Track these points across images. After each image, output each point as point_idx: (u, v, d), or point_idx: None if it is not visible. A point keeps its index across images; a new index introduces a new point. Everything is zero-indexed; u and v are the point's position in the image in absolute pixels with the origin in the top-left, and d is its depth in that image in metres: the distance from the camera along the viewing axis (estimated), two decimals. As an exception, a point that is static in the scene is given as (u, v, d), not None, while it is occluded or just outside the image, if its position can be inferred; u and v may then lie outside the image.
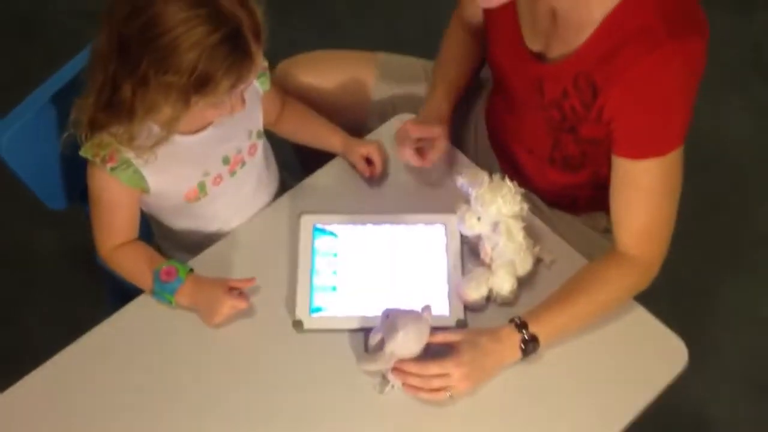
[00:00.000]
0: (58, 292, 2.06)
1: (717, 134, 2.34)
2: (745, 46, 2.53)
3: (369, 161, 1.46)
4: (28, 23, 2.55)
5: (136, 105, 1.17)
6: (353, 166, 1.47)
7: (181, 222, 1.43)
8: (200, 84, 1.15)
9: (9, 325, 2.02)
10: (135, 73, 1.15)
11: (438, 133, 1.42)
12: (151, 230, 1.51)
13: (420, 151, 1.43)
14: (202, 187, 1.35)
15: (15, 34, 2.54)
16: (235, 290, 1.28)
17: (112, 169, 1.25)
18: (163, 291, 1.29)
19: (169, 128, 1.21)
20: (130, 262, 1.34)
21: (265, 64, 1.37)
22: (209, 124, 1.31)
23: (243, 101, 1.25)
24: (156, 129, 1.22)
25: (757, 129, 2.36)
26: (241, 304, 1.28)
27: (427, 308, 1.22)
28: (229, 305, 1.27)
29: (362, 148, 1.46)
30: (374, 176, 1.46)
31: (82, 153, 1.25)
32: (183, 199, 1.35)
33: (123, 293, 1.36)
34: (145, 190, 1.30)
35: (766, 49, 2.52)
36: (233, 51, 1.14)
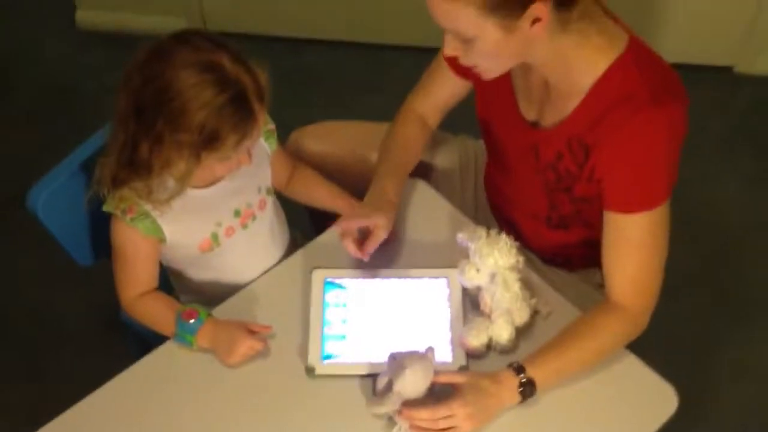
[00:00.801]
0: (82, 350, 2.12)
1: (709, 200, 2.43)
2: (733, 117, 2.64)
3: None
4: (60, 99, 2.68)
5: (153, 161, 1.28)
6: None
7: (198, 273, 1.50)
8: (209, 140, 1.25)
9: (34, 381, 2.08)
10: (151, 133, 1.26)
11: (377, 222, 1.44)
12: (171, 286, 1.58)
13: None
14: (215, 237, 1.43)
15: (47, 108, 2.66)
16: (252, 333, 1.36)
17: (132, 219, 1.35)
18: (184, 332, 1.36)
19: (183, 182, 1.31)
20: (152, 308, 1.42)
21: (272, 126, 1.49)
22: (220, 178, 1.40)
23: (249, 156, 1.35)
24: (171, 183, 1.32)
25: (746, 196, 2.45)
26: (258, 345, 1.35)
27: (430, 349, 1.30)
28: (247, 345, 1.34)
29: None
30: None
31: (105, 208, 1.35)
32: (198, 249, 1.43)
33: (146, 349, 1.42)
34: (163, 239, 1.39)
35: (749, 121, 2.62)
36: (238, 111, 1.25)
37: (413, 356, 1.27)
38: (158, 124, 1.25)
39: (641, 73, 1.29)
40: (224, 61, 1.25)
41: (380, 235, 1.45)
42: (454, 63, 1.44)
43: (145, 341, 1.53)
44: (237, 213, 1.45)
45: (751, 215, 2.42)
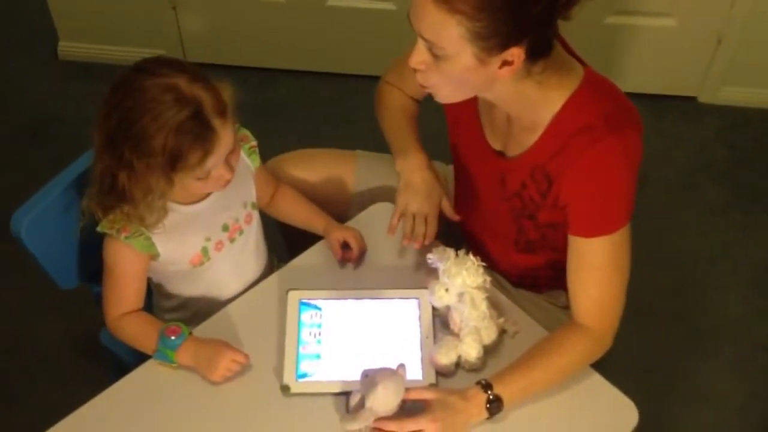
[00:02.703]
0: (60, 377, 2.13)
1: (672, 229, 2.48)
2: (697, 146, 2.70)
3: (347, 245, 1.58)
4: (38, 130, 2.71)
5: (133, 190, 1.33)
6: (330, 248, 1.59)
7: (185, 288, 1.54)
8: (173, 159, 1.29)
9: (13, 405, 2.09)
10: (123, 163, 1.30)
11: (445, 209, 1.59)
12: (153, 305, 1.62)
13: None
14: (205, 252, 1.48)
15: (25, 139, 2.69)
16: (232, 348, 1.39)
17: (126, 237, 1.39)
18: (165, 348, 1.39)
19: (163, 203, 1.36)
20: (136, 326, 1.45)
21: (254, 143, 1.53)
22: (208, 195, 1.45)
23: (230, 171, 1.38)
24: (157, 205, 1.36)
25: (708, 224, 2.50)
26: (241, 358, 1.38)
27: (401, 366, 1.34)
28: (228, 358, 1.37)
29: (339, 233, 1.58)
30: (350, 261, 1.57)
31: (100, 228, 1.39)
32: (189, 264, 1.47)
33: (125, 373, 1.44)
34: (156, 255, 1.43)
35: (713, 150, 2.69)
36: (196, 127, 1.29)
37: (385, 373, 1.31)
38: (126, 153, 1.29)
39: (597, 104, 1.35)
40: (180, 82, 1.29)
41: (435, 224, 1.56)
42: None
43: (124, 366, 1.55)
44: (225, 227, 1.49)
45: (714, 244, 2.47)
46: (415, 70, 1.33)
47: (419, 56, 1.29)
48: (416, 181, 1.58)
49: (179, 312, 1.58)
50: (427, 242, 1.54)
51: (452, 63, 1.27)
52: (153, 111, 1.27)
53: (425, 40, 1.26)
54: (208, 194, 1.46)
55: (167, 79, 1.29)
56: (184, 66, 1.33)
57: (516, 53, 1.25)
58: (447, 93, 1.37)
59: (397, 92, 1.69)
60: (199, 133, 1.30)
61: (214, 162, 1.34)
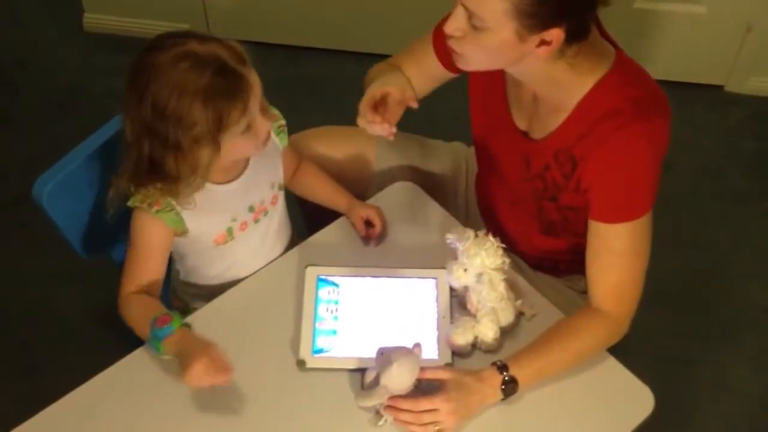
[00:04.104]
0: (80, 347, 2.15)
1: (697, 217, 2.47)
2: (723, 135, 2.68)
3: (369, 223, 1.58)
4: (63, 101, 2.73)
5: (180, 168, 1.32)
6: (353, 226, 1.59)
7: (206, 266, 1.54)
8: (218, 121, 1.29)
9: (31, 373, 2.12)
10: (168, 144, 1.30)
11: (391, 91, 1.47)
12: (170, 284, 1.63)
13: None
14: (230, 231, 1.48)
15: (51, 110, 2.71)
16: (215, 360, 1.29)
17: (158, 211, 1.38)
18: (154, 337, 1.34)
19: (207, 172, 1.35)
20: (138, 308, 1.41)
21: (283, 122, 1.53)
22: (246, 163, 1.45)
23: (268, 119, 1.37)
24: (193, 179, 1.35)
25: (733, 213, 2.49)
26: (220, 373, 1.28)
27: (417, 345, 1.35)
28: (204, 365, 1.26)
29: (363, 211, 1.58)
30: (373, 237, 1.58)
31: (131, 203, 1.38)
32: (213, 242, 1.47)
33: (143, 344, 1.43)
34: (184, 231, 1.43)
35: (739, 140, 2.67)
36: (227, 81, 1.28)
37: (400, 351, 1.32)
38: (170, 134, 1.29)
39: (626, 89, 1.34)
40: (192, 45, 1.29)
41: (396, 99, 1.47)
42: (444, 57, 1.44)
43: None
44: (251, 208, 1.49)
45: (738, 233, 2.45)
46: (449, 37, 1.31)
47: (456, 23, 1.28)
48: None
49: (198, 289, 1.58)
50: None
51: (491, 36, 1.26)
52: (179, 83, 1.27)
53: (466, 8, 1.25)
54: (241, 171, 1.45)
55: (179, 48, 1.29)
56: (190, 32, 1.33)
57: (556, 34, 1.24)
58: (477, 62, 1.35)
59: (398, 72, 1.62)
60: (230, 86, 1.29)
61: (255, 108, 1.33)
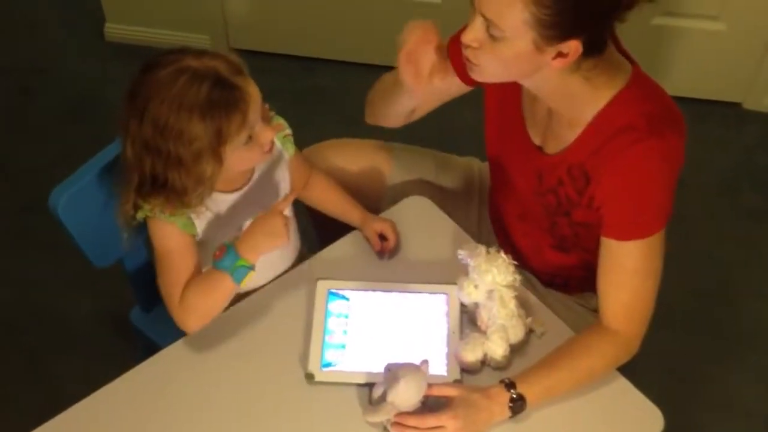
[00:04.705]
0: (90, 355, 2.16)
1: (711, 235, 2.45)
2: (739, 153, 2.67)
3: (382, 237, 1.58)
4: (81, 108, 2.75)
5: (185, 182, 1.33)
6: (367, 240, 1.60)
7: None
8: (217, 134, 1.29)
9: (41, 382, 2.12)
10: (170, 160, 1.31)
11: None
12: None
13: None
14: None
15: (68, 117, 2.73)
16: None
17: (170, 215, 1.38)
18: (233, 266, 1.34)
19: (213, 183, 1.35)
20: (197, 286, 1.39)
21: (289, 131, 1.53)
22: (252, 173, 1.45)
23: (270, 128, 1.37)
24: (200, 189, 1.36)
25: (747, 232, 2.47)
26: (279, 205, 1.37)
27: (425, 362, 1.34)
28: (276, 214, 1.35)
29: (378, 225, 1.58)
30: (387, 251, 1.57)
31: (140, 215, 1.39)
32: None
33: (154, 353, 1.46)
34: (194, 236, 1.43)
35: (755, 157, 2.66)
36: (224, 93, 1.28)
37: (408, 368, 1.31)
38: (172, 150, 1.30)
39: (642, 105, 1.33)
40: (188, 61, 1.30)
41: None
42: (459, 68, 1.44)
43: (152, 346, 1.57)
44: None
45: (752, 252, 2.44)
46: (465, 47, 1.31)
47: (474, 33, 1.27)
48: None
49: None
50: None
51: (508, 46, 1.25)
52: (177, 99, 1.28)
53: (485, 18, 1.25)
54: (248, 180, 1.46)
55: (176, 64, 1.30)
56: (187, 48, 1.34)
57: (574, 46, 1.24)
58: (492, 73, 1.34)
59: None
60: (228, 98, 1.29)
61: (255, 119, 1.34)
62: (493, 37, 1.26)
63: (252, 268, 1.37)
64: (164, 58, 1.32)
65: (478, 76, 1.36)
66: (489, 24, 1.24)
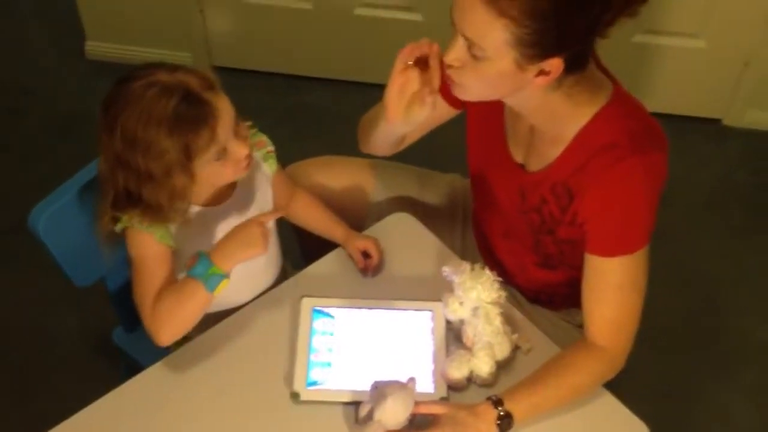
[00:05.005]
0: (74, 375, 2.14)
1: (695, 251, 2.47)
2: (721, 168, 2.68)
3: (366, 254, 1.58)
4: (64, 127, 2.74)
5: (159, 197, 1.32)
6: (351, 257, 1.59)
7: None
8: (185, 149, 1.29)
9: (25, 400, 2.10)
10: (140, 175, 1.30)
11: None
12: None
13: None
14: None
15: (52, 135, 2.72)
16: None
17: (148, 226, 1.37)
18: (205, 274, 1.32)
19: (187, 198, 1.35)
20: (169, 295, 1.37)
21: (272, 148, 1.53)
22: (233, 187, 1.45)
23: (244, 145, 1.35)
24: (181, 206, 1.35)
25: (731, 247, 2.48)
26: (262, 217, 1.36)
27: (411, 380, 1.33)
28: (256, 224, 1.34)
29: (361, 242, 1.58)
30: (371, 269, 1.57)
31: (119, 227, 1.38)
32: None
33: (136, 374, 1.44)
34: (171, 246, 1.41)
35: (737, 173, 2.68)
36: (191, 108, 1.28)
37: (395, 386, 1.31)
38: (141, 164, 1.29)
39: (624, 122, 1.34)
40: (160, 75, 1.30)
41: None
42: (447, 93, 1.43)
43: (135, 366, 1.56)
44: None
45: (735, 268, 2.45)
46: (448, 66, 1.31)
47: (456, 53, 1.27)
48: None
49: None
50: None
51: (490, 65, 1.25)
52: (145, 111, 1.27)
53: (466, 38, 1.25)
54: (229, 195, 1.46)
55: (148, 78, 1.30)
56: (161, 63, 1.33)
57: (555, 64, 1.24)
58: (475, 92, 1.34)
59: None
60: (196, 112, 1.29)
61: (225, 135, 1.32)
62: (474, 57, 1.26)
63: (226, 276, 1.35)
64: (138, 71, 1.32)
65: (462, 95, 1.36)
66: (470, 44, 1.25)
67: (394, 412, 1.29)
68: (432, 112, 1.42)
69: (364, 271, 1.58)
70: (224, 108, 1.32)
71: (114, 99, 1.31)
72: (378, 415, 1.29)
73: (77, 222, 1.48)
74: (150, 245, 1.40)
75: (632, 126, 1.34)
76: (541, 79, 1.27)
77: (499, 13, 1.19)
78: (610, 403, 1.42)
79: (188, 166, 1.31)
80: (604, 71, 1.39)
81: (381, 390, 1.30)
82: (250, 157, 1.39)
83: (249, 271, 1.52)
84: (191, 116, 1.28)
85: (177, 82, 1.29)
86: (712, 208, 2.59)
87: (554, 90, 1.31)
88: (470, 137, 1.60)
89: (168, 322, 1.37)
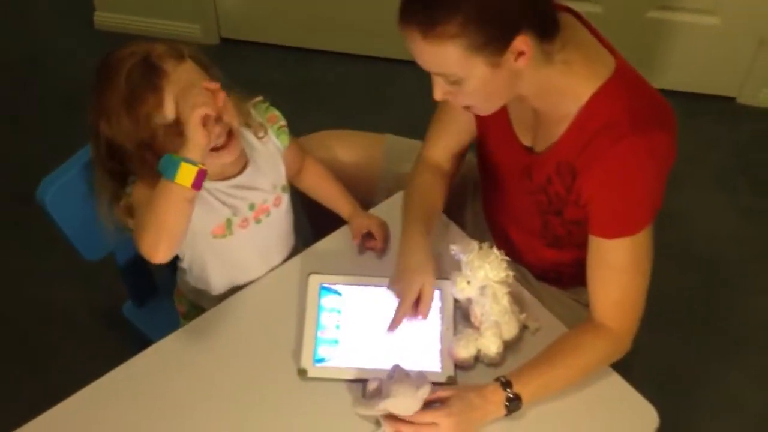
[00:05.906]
0: (84, 348, 2.15)
1: (705, 231, 2.44)
2: (733, 148, 2.66)
3: (370, 234, 1.57)
4: (73, 98, 2.67)
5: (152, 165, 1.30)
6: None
7: (208, 265, 1.51)
8: (134, 113, 1.30)
9: (34, 374, 2.12)
10: (111, 143, 1.33)
11: (425, 289, 1.43)
12: (175, 282, 1.62)
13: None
14: (228, 224, 1.45)
15: (60, 107, 2.71)
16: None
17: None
18: (171, 164, 1.24)
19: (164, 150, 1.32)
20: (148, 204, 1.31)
21: (284, 122, 1.52)
22: (244, 163, 1.45)
23: (217, 95, 1.29)
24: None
25: (742, 228, 2.47)
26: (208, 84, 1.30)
27: (427, 383, 1.31)
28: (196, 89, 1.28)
29: (365, 221, 1.57)
30: (373, 250, 1.56)
31: (129, 190, 1.38)
32: (210, 233, 1.45)
33: (147, 346, 1.44)
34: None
35: (750, 153, 2.65)
36: (145, 70, 1.30)
37: (407, 386, 1.29)
38: (107, 132, 1.33)
39: (624, 100, 1.32)
40: (139, 43, 1.34)
41: (430, 293, 1.44)
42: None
43: (145, 339, 1.56)
44: (252, 206, 1.47)
45: (747, 248, 2.43)
46: (446, 101, 1.35)
47: (440, 89, 1.32)
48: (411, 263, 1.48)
49: (202, 292, 1.57)
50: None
51: (471, 81, 1.28)
52: (104, 78, 1.33)
53: (436, 74, 1.29)
54: (240, 170, 1.45)
55: (129, 48, 1.33)
56: (156, 39, 1.36)
57: (523, 40, 1.24)
58: (485, 106, 1.38)
59: (426, 174, 1.62)
60: (146, 74, 1.30)
61: (173, 103, 1.29)
62: (456, 83, 1.29)
63: (185, 160, 1.24)
64: (126, 44, 1.35)
65: (480, 113, 1.42)
66: (443, 76, 1.28)
67: (403, 406, 1.29)
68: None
69: (362, 249, 1.57)
70: (182, 78, 1.31)
71: (104, 75, 1.35)
72: (386, 404, 1.29)
73: (86, 194, 1.47)
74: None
75: (634, 104, 1.32)
76: (523, 60, 1.26)
77: (441, 40, 1.22)
78: (618, 385, 1.41)
79: (141, 129, 1.31)
80: (607, 46, 1.37)
81: (395, 386, 1.29)
82: (230, 137, 1.36)
83: (262, 247, 1.52)
84: (141, 77, 1.30)
85: (143, 48, 1.32)
86: (723, 187, 2.57)
87: (546, 64, 1.30)
88: (477, 126, 1.58)
89: (147, 230, 1.28)
